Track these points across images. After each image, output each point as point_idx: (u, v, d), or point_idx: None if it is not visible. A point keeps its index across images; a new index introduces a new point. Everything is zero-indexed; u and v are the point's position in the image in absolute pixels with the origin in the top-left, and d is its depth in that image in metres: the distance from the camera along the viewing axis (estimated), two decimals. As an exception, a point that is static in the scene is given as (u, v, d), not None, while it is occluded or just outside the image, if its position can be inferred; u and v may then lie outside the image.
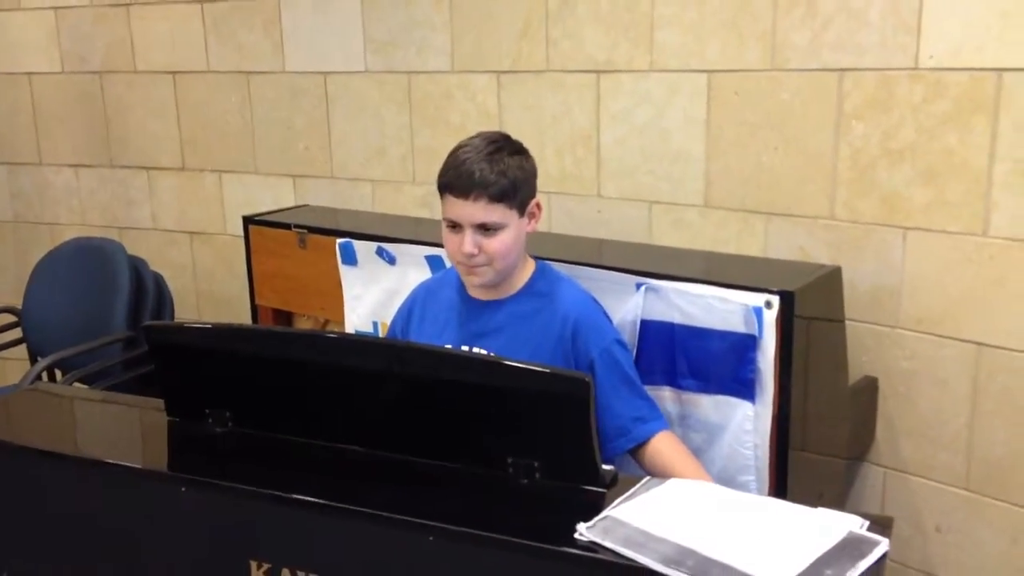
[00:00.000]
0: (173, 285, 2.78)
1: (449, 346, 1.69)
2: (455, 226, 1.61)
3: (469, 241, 1.59)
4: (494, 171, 1.57)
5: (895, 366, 2.00)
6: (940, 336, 1.93)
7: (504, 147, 1.62)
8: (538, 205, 1.66)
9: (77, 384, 2.41)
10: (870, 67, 1.91)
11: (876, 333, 2.01)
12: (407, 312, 1.81)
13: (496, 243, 1.60)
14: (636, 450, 1.63)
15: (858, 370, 2.03)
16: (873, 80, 1.91)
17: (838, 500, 2.06)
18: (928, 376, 1.96)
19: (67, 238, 2.90)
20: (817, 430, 1.89)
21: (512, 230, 1.61)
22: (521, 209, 1.62)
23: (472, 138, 1.64)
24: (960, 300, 1.89)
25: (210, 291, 3.01)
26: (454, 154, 1.62)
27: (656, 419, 1.64)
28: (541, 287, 1.69)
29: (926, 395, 1.98)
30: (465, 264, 1.62)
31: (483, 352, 1.66)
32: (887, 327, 1.99)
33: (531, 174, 1.65)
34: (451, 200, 1.60)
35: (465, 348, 1.68)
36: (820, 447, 1.93)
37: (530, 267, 1.71)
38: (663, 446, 1.61)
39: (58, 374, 2.61)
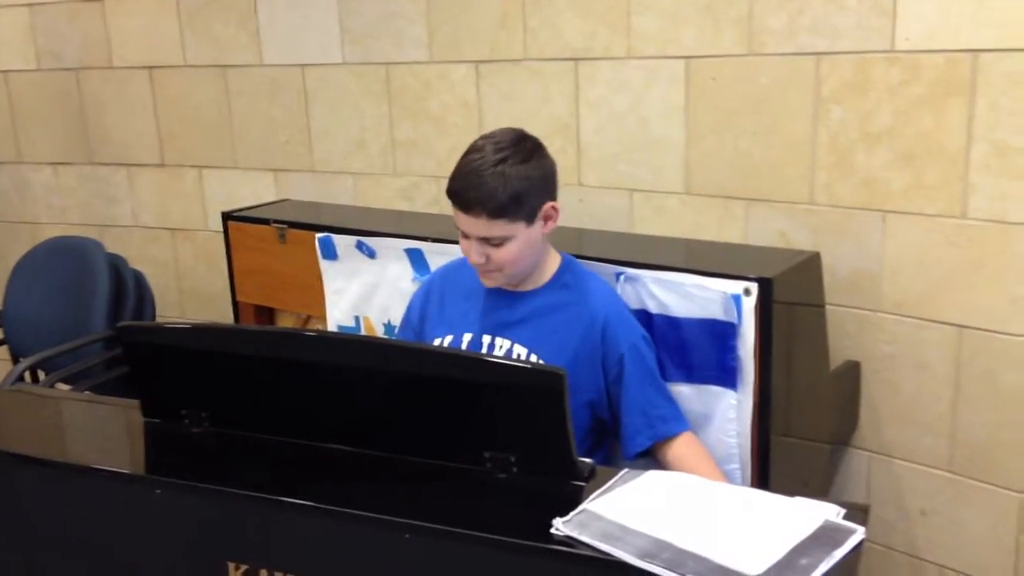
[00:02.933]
0: (155, 282, 2.76)
1: (469, 335, 1.69)
2: (465, 235, 1.60)
3: (476, 251, 1.59)
4: (494, 186, 1.53)
5: (877, 350, 2.00)
6: (921, 319, 1.93)
7: (513, 155, 1.56)
8: (554, 207, 1.62)
9: (59, 384, 2.39)
10: (847, 50, 1.90)
11: (857, 317, 2.01)
12: (423, 299, 1.80)
13: (503, 253, 1.59)
14: (658, 451, 1.65)
15: (840, 355, 2.03)
16: (850, 63, 1.90)
17: (823, 486, 2.06)
18: (910, 359, 1.96)
19: (48, 237, 2.87)
20: (800, 416, 1.89)
21: (519, 240, 1.59)
22: (529, 218, 1.59)
23: (486, 139, 1.59)
24: (940, 283, 1.89)
25: (192, 288, 2.99)
26: (463, 160, 1.58)
27: (678, 420, 1.67)
28: (568, 280, 1.69)
29: (909, 378, 1.98)
30: (477, 269, 1.63)
31: (500, 343, 1.66)
32: (868, 311, 1.99)
33: (541, 180, 1.59)
34: (456, 211, 1.58)
35: (487, 338, 1.67)
36: (803, 433, 1.94)
37: (556, 260, 1.71)
38: (685, 449, 1.63)
39: (40, 374, 2.60)
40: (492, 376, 1.30)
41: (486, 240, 1.58)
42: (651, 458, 1.66)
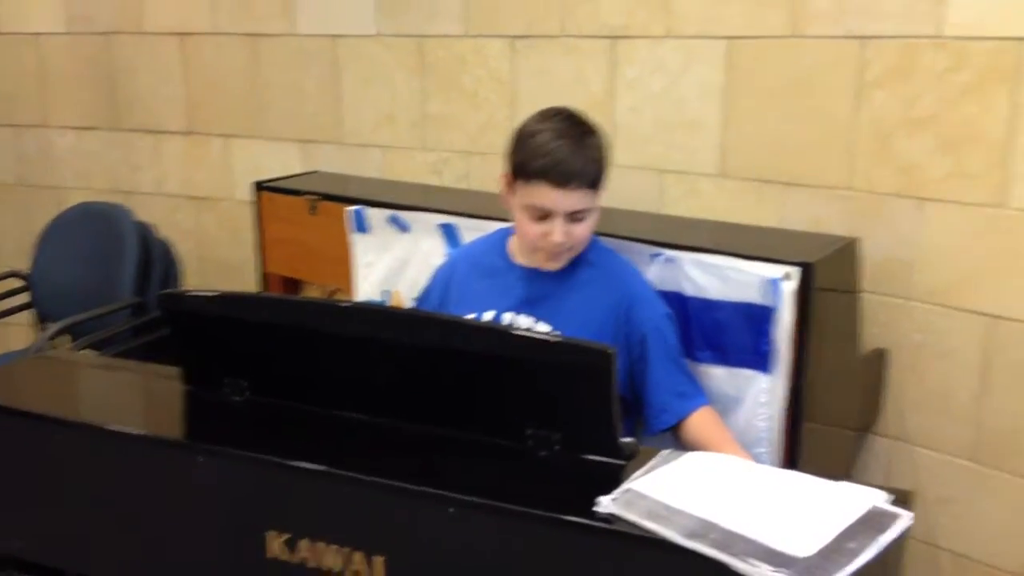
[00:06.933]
0: (178, 251, 2.76)
1: (491, 313, 1.69)
2: (544, 215, 1.57)
3: (561, 231, 1.57)
4: (590, 156, 1.57)
5: (906, 339, 2.00)
6: (951, 308, 1.92)
7: (586, 129, 1.60)
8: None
9: (87, 350, 2.41)
10: (893, 35, 1.88)
11: (888, 305, 2.00)
12: (445, 281, 1.80)
13: (582, 228, 1.60)
14: (676, 426, 1.65)
15: (869, 342, 2.03)
16: (896, 48, 1.89)
17: (844, 472, 2.06)
18: (937, 348, 1.96)
19: (72, 202, 2.87)
20: (828, 402, 1.90)
21: (595, 212, 1.61)
22: (601, 190, 1.62)
23: (544, 120, 1.60)
24: (974, 272, 1.88)
25: (215, 257, 2.99)
26: (535, 139, 1.57)
27: (697, 395, 1.67)
28: (592, 258, 1.69)
29: (935, 368, 1.97)
30: (549, 251, 1.61)
31: (523, 321, 1.66)
32: (900, 299, 1.99)
33: (608, 152, 1.64)
34: (544, 189, 1.55)
35: (510, 315, 1.67)
36: (830, 419, 1.94)
37: None
38: (700, 423, 1.63)
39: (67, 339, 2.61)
40: (538, 353, 1.30)
41: (573, 215, 1.57)
42: (670, 432, 1.67)
